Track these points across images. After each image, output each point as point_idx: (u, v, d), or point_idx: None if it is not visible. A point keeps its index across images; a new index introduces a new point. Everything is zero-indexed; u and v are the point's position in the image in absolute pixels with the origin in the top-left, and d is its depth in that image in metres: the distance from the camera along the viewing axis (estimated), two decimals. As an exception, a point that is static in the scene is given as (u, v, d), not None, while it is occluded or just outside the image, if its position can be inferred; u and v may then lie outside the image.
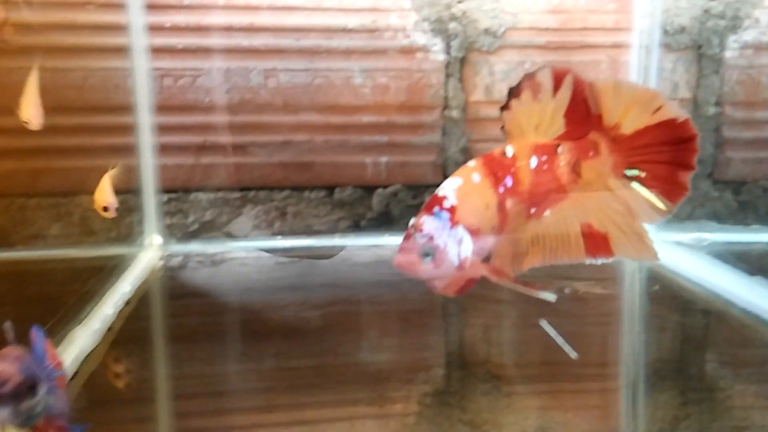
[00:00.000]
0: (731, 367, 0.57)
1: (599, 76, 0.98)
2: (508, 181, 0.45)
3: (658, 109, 0.45)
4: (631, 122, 0.45)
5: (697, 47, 0.97)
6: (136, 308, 0.70)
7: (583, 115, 0.45)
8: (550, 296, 0.44)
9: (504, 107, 0.46)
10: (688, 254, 0.79)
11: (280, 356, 0.60)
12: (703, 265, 0.75)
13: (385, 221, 1.01)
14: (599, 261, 0.46)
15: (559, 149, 0.45)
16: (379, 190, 1.01)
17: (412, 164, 1.00)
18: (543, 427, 0.47)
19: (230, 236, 0.97)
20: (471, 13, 0.97)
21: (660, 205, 0.46)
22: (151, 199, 0.92)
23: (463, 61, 0.99)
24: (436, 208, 0.42)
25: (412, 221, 0.43)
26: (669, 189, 0.45)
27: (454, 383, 0.53)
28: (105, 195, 0.72)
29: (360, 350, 0.61)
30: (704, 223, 0.94)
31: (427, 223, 0.42)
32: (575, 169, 0.46)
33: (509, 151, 0.45)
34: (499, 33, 0.98)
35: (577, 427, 0.48)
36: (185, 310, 0.75)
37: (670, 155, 0.45)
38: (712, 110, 0.97)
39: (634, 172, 0.46)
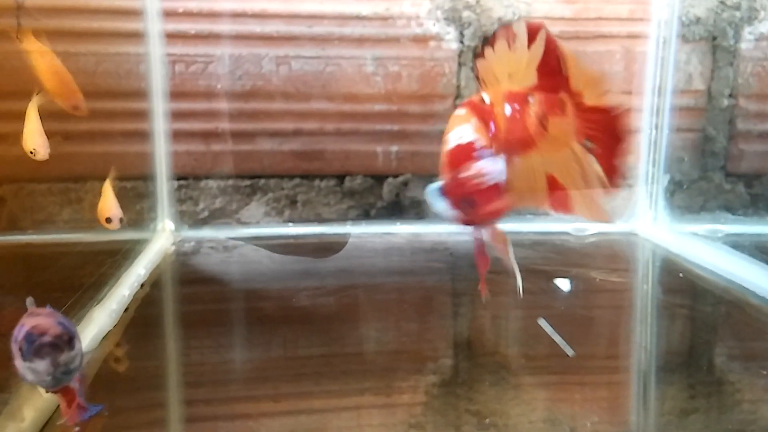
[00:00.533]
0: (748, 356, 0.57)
1: (614, 67, 0.97)
2: (492, 127, 0.45)
3: (605, 93, 0.45)
4: (589, 96, 0.45)
5: (712, 38, 0.96)
6: (151, 291, 0.71)
7: (553, 72, 0.46)
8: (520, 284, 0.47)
9: (478, 55, 0.46)
10: (704, 244, 0.79)
11: (287, 343, 0.60)
12: (720, 255, 0.75)
13: (396, 210, 1.01)
14: (559, 215, 0.47)
15: (530, 99, 0.45)
16: (390, 179, 1.00)
17: (423, 153, 1.00)
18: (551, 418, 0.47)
19: (241, 223, 0.97)
20: (485, 2, 0.97)
21: (605, 183, 0.46)
22: (163, 186, 0.92)
23: (476, 50, 0.98)
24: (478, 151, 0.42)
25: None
26: (608, 173, 0.46)
27: (461, 373, 0.53)
28: (109, 206, 0.68)
29: (369, 339, 0.61)
30: (718, 215, 0.94)
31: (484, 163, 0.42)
32: (543, 123, 0.46)
33: (486, 98, 0.45)
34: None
35: (587, 416, 0.48)
36: (198, 294, 0.75)
37: (608, 142, 0.46)
38: (725, 102, 0.97)
39: (588, 144, 0.46)
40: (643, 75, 0.94)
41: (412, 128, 0.99)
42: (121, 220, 0.68)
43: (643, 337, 0.61)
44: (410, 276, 0.81)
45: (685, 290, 0.74)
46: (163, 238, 0.89)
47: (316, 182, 1.00)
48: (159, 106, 0.90)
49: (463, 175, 0.43)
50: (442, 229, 0.96)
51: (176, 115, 0.94)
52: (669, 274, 0.80)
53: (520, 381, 0.52)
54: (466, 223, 0.47)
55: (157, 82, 0.90)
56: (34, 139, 0.65)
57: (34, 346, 0.39)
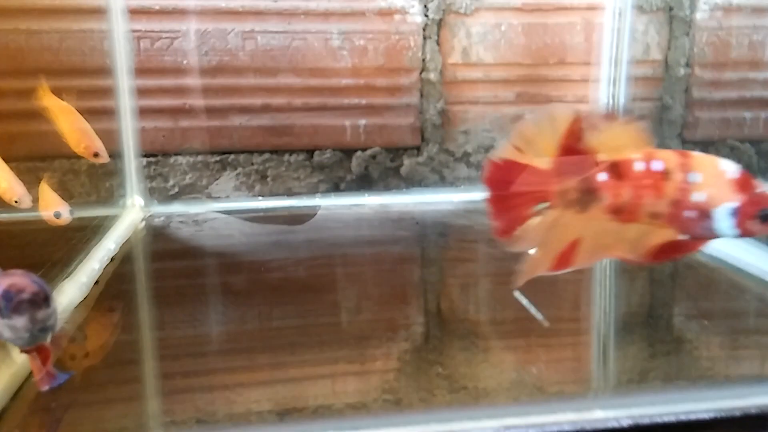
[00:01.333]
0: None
1: (575, 38, 1.00)
2: None
3: None
4: None
5: (669, 9, 0.99)
6: (121, 264, 0.71)
7: None
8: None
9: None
10: None
11: (254, 313, 0.61)
12: None
13: (365, 183, 1.03)
14: None
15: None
16: (358, 153, 1.02)
17: (391, 127, 1.02)
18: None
19: (211, 198, 0.98)
20: (448, -25, 0.98)
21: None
22: (131, 162, 0.92)
23: (440, 24, 0.99)
24: None
25: None
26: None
27: (429, 338, 0.55)
28: (51, 203, 0.69)
29: (337, 307, 0.63)
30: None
31: None
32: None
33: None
34: (476, -5, 0.99)
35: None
36: (167, 267, 0.76)
37: None
38: (682, 71, 1.00)
39: None
40: (600, 46, 0.97)
41: (379, 102, 1.00)
42: (70, 211, 0.69)
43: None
44: (378, 245, 0.83)
45: None
46: (132, 213, 0.89)
47: (286, 157, 1.01)
48: (124, 82, 0.90)
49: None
50: (409, 199, 0.99)
51: (143, 92, 0.94)
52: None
53: (487, 343, 0.54)
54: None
55: (122, 59, 0.89)
56: (15, 189, 0.66)
57: (13, 303, 0.40)
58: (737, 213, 0.42)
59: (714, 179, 0.42)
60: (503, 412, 0.42)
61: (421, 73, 1.00)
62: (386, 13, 0.98)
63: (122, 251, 0.75)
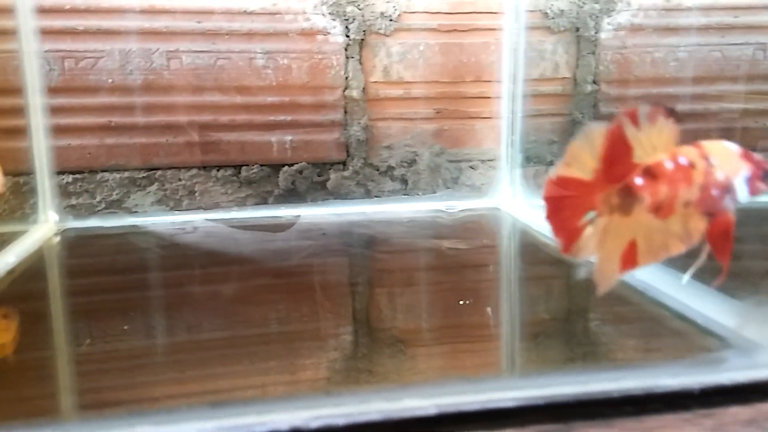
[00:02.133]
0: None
1: (489, 57, 1.05)
2: None
3: None
4: None
5: (576, 29, 1.05)
6: (19, 278, 0.73)
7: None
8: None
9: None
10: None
11: (157, 328, 0.63)
12: None
13: (292, 197, 1.06)
14: None
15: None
16: (285, 168, 1.05)
17: (316, 142, 1.05)
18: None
19: (129, 213, 1.00)
20: (367, -3, 1.02)
21: None
22: (45, 180, 0.93)
23: (361, 44, 1.04)
24: None
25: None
26: None
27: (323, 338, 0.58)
28: None
29: (220, 319, 0.64)
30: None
31: None
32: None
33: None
34: (395, 16, 1.03)
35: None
36: (70, 281, 0.77)
37: None
38: (589, 88, 1.06)
39: None
40: (501, 64, 1.02)
41: (304, 118, 1.04)
42: None
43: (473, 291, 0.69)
44: (281, 255, 0.85)
45: (528, 253, 0.84)
46: (43, 229, 0.91)
47: (214, 172, 1.03)
48: (36, 101, 0.91)
49: None
50: (320, 212, 1.03)
51: (68, 110, 0.95)
52: (514, 240, 0.90)
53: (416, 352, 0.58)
54: None
55: (33, 78, 0.91)
56: None
57: None
58: (750, 179, 0.49)
59: (727, 158, 0.49)
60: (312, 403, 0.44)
61: (344, 90, 1.04)
62: (308, 34, 1.02)
63: (23, 264, 0.76)
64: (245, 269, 0.78)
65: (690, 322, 0.58)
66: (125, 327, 0.61)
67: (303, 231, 0.95)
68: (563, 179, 0.49)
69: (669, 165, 0.47)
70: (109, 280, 0.77)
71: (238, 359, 0.55)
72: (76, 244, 0.88)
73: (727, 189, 0.49)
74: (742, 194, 0.49)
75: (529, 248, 0.85)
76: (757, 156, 0.50)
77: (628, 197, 0.48)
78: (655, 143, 0.47)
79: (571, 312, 0.65)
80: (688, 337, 0.57)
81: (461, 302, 0.65)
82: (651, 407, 0.44)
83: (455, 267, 0.77)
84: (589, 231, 0.49)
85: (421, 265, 0.79)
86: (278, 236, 0.92)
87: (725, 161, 0.49)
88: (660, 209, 0.48)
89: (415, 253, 0.82)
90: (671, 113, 0.48)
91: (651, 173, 0.47)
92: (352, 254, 0.83)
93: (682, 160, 0.48)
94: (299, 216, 1.00)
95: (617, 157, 0.48)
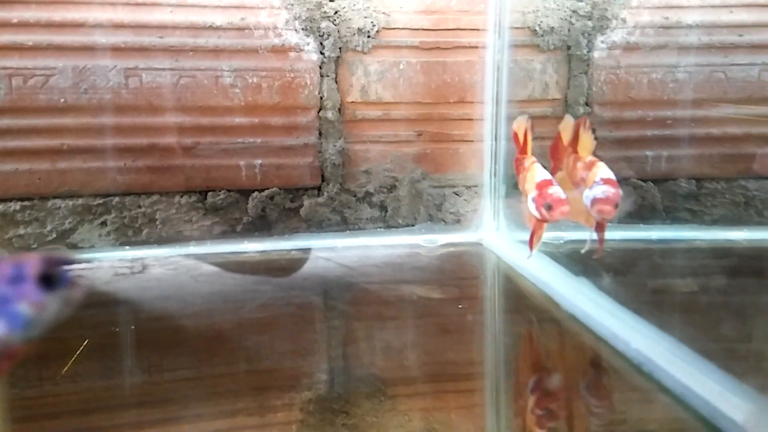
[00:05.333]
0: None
1: (473, 77, 0.98)
2: None
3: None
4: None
5: (567, 48, 0.98)
6: None
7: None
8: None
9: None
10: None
11: (107, 370, 0.57)
12: (540, 265, 0.77)
13: (263, 225, 0.98)
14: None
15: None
16: (255, 194, 0.97)
17: (289, 166, 0.98)
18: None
19: (80, 247, 0.92)
20: (343, 12, 0.95)
21: None
22: None
23: (337, 61, 0.97)
24: None
25: None
26: None
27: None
28: None
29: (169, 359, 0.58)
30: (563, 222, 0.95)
31: None
32: None
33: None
34: (373, 33, 0.96)
35: None
36: None
37: None
38: (581, 110, 0.99)
39: None
40: (483, 85, 0.95)
41: (275, 141, 0.97)
42: None
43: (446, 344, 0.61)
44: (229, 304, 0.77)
45: (506, 300, 0.77)
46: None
47: (177, 198, 0.96)
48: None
49: None
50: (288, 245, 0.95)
51: (16, 132, 0.88)
52: (493, 284, 0.82)
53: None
54: None
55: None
56: None
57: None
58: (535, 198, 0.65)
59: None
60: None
61: (318, 111, 0.97)
62: (280, 51, 0.94)
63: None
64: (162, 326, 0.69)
65: (690, 410, 0.48)
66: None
67: (267, 269, 0.87)
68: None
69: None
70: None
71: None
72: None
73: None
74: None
75: (514, 298, 0.77)
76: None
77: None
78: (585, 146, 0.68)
79: (553, 392, 0.56)
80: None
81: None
82: None
83: (425, 324, 0.68)
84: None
85: (386, 319, 0.70)
86: (236, 278, 0.84)
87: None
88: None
89: (380, 305, 0.73)
90: (591, 126, 0.68)
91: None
92: (306, 306, 0.74)
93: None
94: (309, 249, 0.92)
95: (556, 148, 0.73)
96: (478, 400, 0.54)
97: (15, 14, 0.86)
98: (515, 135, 0.76)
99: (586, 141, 0.67)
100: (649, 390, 0.51)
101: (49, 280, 0.37)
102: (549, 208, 0.62)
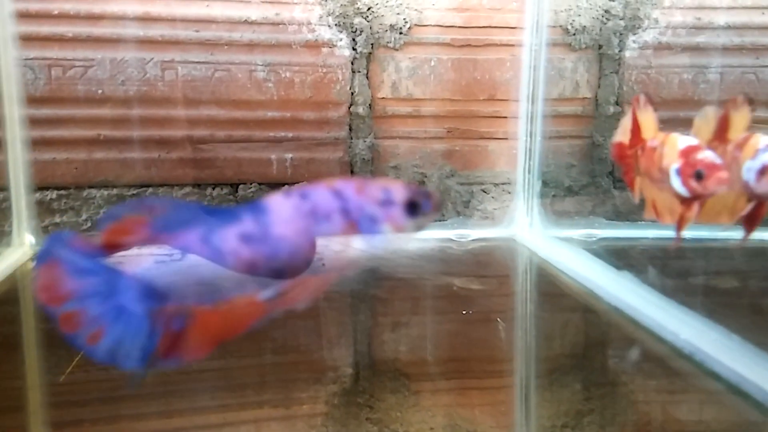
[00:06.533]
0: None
1: (505, 75, 0.98)
2: None
3: None
4: None
5: (598, 47, 0.98)
6: None
7: None
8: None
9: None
10: (565, 249, 0.82)
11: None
12: (577, 258, 0.77)
13: (292, 219, 0.99)
14: None
15: None
16: (285, 187, 0.98)
17: (319, 161, 0.99)
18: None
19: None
20: (376, 9, 0.96)
21: None
22: (21, 197, 0.87)
23: (369, 57, 0.97)
24: None
25: None
26: None
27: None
28: None
29: None
30: (595, 220, 0.96)
31: None
32: None
33: None
34: (405, 29, 0.97)
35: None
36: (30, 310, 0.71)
37: None
38: (611, 109, 0.99)
39: None
40: (518, 82, 0.95)
41: (306, 135, 0.98)
42: None
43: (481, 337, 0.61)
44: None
45: (545, 292, 0.77)
46: (18, 252, 0.83)
47: (209, 190, 0.97)
48: (14, 112, 0.85)
49: None
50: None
51: (54, 122, 0.90)
52: (529, 278, 0.82)
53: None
54: None
55: (10, 87, 0.85)
56: None
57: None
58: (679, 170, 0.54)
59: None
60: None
61: (349, 106, 0.98)
62: (313, 46, 0.95)
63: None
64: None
65: (745, 396, 0.48)
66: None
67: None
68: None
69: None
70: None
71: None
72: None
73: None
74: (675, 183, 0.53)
75: (549, 289, 0.77)
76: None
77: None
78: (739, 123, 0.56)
79: (597, 382, 0.57)
80: (743, 419, 0.48)
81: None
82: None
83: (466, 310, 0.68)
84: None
85: (428, 307, 0.71)
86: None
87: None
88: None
89: (420, 291, 0.73)
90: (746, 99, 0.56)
91: None
92: (349, 293, 0.75)
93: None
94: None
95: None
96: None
97: (56, 5, 0.88)
98: (633, 124, 0.65)
99: (741, 117, 0.55)
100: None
101: (413, 207, 0.40)
102: (700, 176, 0.50)
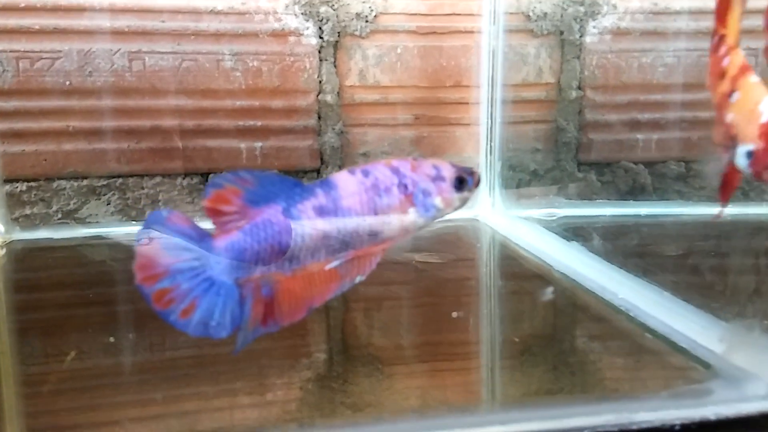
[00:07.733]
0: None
1: (469, 61, 1.00)
2: None
3: None
4: None
5: (560, 33, 1.01)
6: None
7: None
8: None
9: None
10: (524, 226, 0.85)
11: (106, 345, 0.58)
12: (534, 234, 0.81)
13: (263, 207, 1.01)
14: None
15: None
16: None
17: (288, 149, 1.00)
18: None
19: (81, 223, 0.94)
20: (342, -2, 0.98)
21: None
22: None
23: (336, 46, 0.99)
24: None
25: None
26: None
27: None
28: None
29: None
30: (555, 200, 0.98)
31: None
32: None
33: None
34: (371, 18, 0.98)
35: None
36: (15, 296, 0.72)
37: None
38: (574, 94, 1.02)
39: None
40: (479, 69, 0.98)
41: (275, 124, 0.99)
42: None
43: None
44: None
45: (501, 264, 0.81)
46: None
47: (179, 180, 0.98)
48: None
49: None
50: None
51: (22, 114, 0.90)
52: (488, 252, 0.86)
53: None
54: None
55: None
56: None
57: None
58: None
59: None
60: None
61: (318, 95, 0.99)
62: (280, 35, 0.97)
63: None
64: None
65: (673, 345, 0.52)
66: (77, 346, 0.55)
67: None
68: None
69: None
70: (57, 295, 0.72)
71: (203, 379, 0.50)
72: (22, 258, 0.82)
73: None
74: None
75: (508, 262, 0.80)
76: None
77: None
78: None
79: (546, 336, 0.60)
80: (670, 364, 0.51)
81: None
82: (626, 446, 0.39)
83: (427, 284, 0.71)
84: None
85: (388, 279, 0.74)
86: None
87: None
88: None
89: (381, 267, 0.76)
90: None
91: None
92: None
93: None
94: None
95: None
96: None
97: (21, -2, 0.88)
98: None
99: None
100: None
101: (461, 182, 0.47)
102: None
